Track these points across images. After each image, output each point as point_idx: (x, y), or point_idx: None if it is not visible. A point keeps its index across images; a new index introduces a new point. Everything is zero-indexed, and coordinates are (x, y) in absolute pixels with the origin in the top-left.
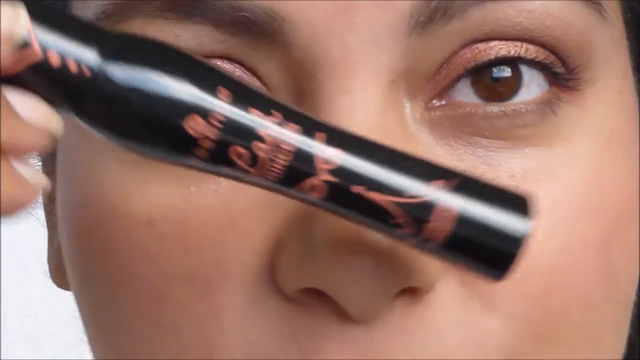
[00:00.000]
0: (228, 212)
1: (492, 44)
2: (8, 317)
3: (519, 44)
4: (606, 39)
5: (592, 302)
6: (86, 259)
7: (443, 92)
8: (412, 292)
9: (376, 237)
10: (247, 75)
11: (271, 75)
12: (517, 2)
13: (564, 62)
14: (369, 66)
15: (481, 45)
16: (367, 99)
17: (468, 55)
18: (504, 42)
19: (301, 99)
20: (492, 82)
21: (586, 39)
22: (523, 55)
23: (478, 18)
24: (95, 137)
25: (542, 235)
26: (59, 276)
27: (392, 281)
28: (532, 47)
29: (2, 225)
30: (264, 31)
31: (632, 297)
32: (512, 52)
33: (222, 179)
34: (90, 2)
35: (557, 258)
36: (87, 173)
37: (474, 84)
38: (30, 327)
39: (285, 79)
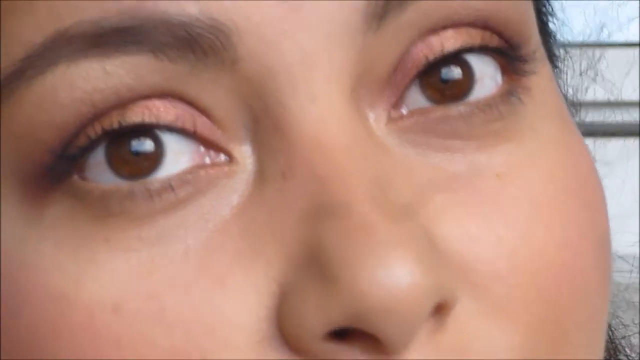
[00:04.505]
0: (210, 275)
1: (442, 34)
2: None
3: (471, 31)
4: (533, 19)
5: (591, 292)
6: None
7: (401, 99)
8: (438, 310)
9: (405, 245)
10: (190, 113)
11: (219, 106)
12: None
13: (511, 45)
14: (329, 69)
15: (433, 39)
16: (334, 107)
17: (421, 52)
18: (454, 29)
19: (257, 126)
20: (442, 83)
21: (526, 18)
22: (473, 44)
23: (431, 5)
24: (15, 223)
25: (541, 230)
26: None
27: (429, 295)
28: (485, 34)
29: None
30: (208, 49)
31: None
32: (463, 42)
33: (187, 237)
34: None
35: (559, 250)
36: (17, 268)
37: (425, 88)
38: None
39: (235, 107)
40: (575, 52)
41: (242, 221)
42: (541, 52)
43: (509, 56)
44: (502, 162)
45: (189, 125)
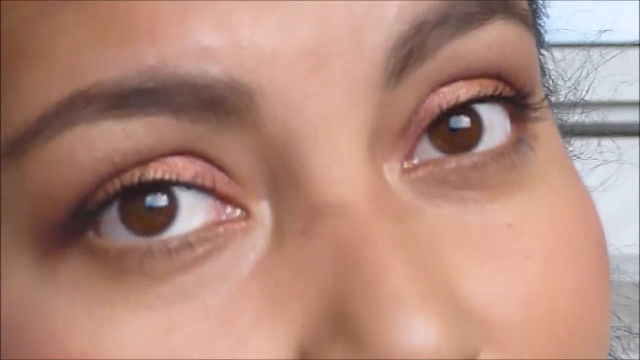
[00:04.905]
0: (231, 334)
1: (454, 85)
2: None
3: (483, 81)
4: (538, 64)
5: (600, 332)
6: None
7: (413, 150)
8: None
9: (431, 309)
10: (209, 170)
11: (239, 163)
12: (478, 35)
13: (523, 94)
14: (349, 127)
15: (446, 89)
16: (354, 166)
17: (435, 103)
18: (466, 81)
19: (276, 183)
20: (451, 132)
21: (535, 65)
22: (486, 94)
23: (447, 57)
24: (26, 284)
25: (555, 280)
26: None
27: (455, 355)
28: (499, 84)
29: None
30: (231, 110)
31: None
32: (476, 92)
33: (207, 295)
34: (9, 125)
35: (572, 298)
36: (32, 327)
37: (433, 137)
38: None
39: (255, 164)
40: (576, 52)
41: (262, 278)
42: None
43: (520, 104)
44: (515, 212)
45: (208, 183)
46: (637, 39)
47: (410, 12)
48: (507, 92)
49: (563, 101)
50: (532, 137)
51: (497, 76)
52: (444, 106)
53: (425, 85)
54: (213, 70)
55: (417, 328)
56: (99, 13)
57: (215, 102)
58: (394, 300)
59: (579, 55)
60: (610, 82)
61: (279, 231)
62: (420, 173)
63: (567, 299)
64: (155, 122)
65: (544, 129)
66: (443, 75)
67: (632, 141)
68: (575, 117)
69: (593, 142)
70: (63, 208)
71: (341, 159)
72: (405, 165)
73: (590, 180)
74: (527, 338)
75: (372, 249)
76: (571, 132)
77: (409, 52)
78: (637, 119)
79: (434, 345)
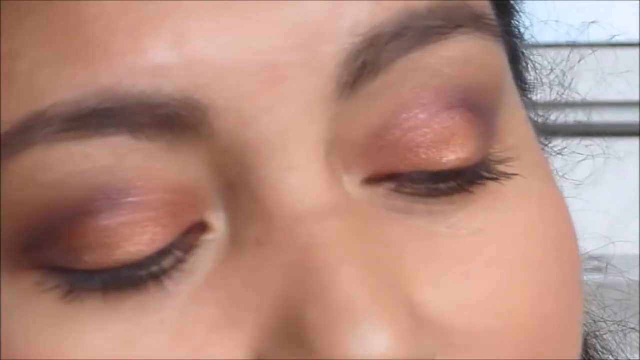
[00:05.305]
0: (186, 345)
1: (417, 120)
2: None
3: (444, 112)
4: (508, 76)
5: (566, 340)
6: None
7: (378, 161)
8: None
9: (383, 316)
10: (166, 182)
11: (195, 176)
12: (437, 49)
13: (482, 112)
14: (304, 139)
15: (408, 125)
16: (311, 176)
17: (397, 139)
18: (426, 113)
19: (232, 193)
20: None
21: (501, 79)
22: (448, 124)
23: (403, 71)
24: None
25: (519, 289)
26: None
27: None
28: (456, 112)
29: None
30: (186, 126)
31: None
32: (437, 122)
33: (163, 306)
34: None
35: (536, 306)
36: (5, 335)
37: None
38: None
39: (211, 175)
40: (576, 52)
41: (217, 289)
42: (510, 92)
43: (482, 124)
44: (483, 219)
45: (163, 195)
46: (638, 39)
47: (365, 24)
48: (476, 121)
49: (549, 100)
50: (495, 144)
51: (463, 93)
52: (405, 169)
53: (383, 97)
54: (166, 87)
55: (367, 335)
56: (56, 33)
57: (171, 119)
58: (345, 309)
59: (561, 53)
60: (609, 82)
61: (235, 241)
62: (385, 185)
63: (534, 304)
64: (113, 142)
65: (515, 135)
66: (402, 90)
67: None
68: (560, 116)
69: (591, 142)
70: (24, 229)
71: (296, 169)
72: (369, 177)
73: (590, 180)
74: (491, 343)
75: (323, 257)
76: (556, 130)
77: (362, 64)
78: (638, 119)
79: (384, 351)
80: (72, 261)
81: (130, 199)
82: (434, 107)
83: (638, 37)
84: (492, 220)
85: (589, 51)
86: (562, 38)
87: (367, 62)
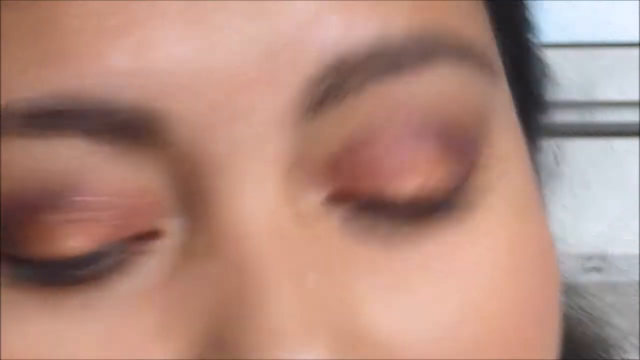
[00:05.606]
0: (120, 351)
1: (381, 147)
2: None
3: (411, 141)
4: (498, 102)
5: (543, 351)
6: None
7: (339, 182)
8: None
9: (310, 343)
10: (121, 187)
11: (152, 182)
12: (407, 80)
13: (456, 142)
14: (263, 154)
15: (372, 151)
16: (264, 194)
17: (359, 163)
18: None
19: (189, 201)
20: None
21: (483, 110)
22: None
23: (373, 97)
24: None
25: (491, 305)
26: None
27: None
28: (425, 142)
29: None
30: (143, 133)
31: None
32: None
33: (108, 306)
34: None
35: (510, 321)
36: None
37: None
38: None
39: (169, 183)
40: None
41: (160, 297)
42: (503, 117)
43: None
44: (449, 240)
45: (117, 199)
46: (638, 39)
47: (333, 50)
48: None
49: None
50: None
51: (435, 124)
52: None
53: (349, 121)
54: (125, 94)
55: (287, 357)
56: (23, 33)
57: (127, 126)
58: (273, 335)
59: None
60: (608, 82)
61: (187, 250)
62: (345, 207)
63: (501, 323)
64: (70, 144)
65: (501, 161)
66: (369, 116)
67: (632, 141)
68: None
69: (592, 142)
70: None
71: (250, 183)
72: (329, 198)
73: (590, 180)
74: None
75: (259, 277)
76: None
77: (326, 90)
78: (638, 119)
79: None
80: (15, 252)
81: (78, 198)
82: (401, 135)
83: (638, 37)
84: (458, 241)
85: (589, 51)
86: (562, 38)
87: (331, 87)
